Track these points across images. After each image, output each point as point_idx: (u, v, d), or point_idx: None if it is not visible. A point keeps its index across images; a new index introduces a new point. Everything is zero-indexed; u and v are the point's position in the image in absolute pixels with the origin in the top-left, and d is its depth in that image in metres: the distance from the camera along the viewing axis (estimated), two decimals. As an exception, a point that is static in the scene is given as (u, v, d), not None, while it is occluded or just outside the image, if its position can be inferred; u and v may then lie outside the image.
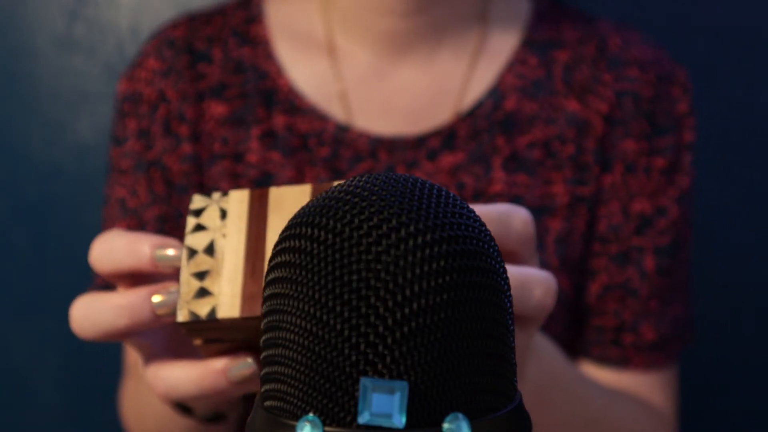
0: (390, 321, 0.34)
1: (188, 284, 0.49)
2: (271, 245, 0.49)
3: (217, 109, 0.79)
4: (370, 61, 0.78)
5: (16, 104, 1.04)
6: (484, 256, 0.36)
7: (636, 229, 0.78)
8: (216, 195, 0.51)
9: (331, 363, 0.34)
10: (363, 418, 0.34)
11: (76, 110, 1.04)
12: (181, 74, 0.80)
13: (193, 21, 0.83)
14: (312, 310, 0.35)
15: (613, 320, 0.79)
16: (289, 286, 0.36)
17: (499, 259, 0.37)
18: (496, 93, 0.78)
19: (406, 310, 0.34)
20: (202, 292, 0.48)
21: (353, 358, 0.34)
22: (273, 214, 0.50)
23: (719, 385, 1.07)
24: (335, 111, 0.78)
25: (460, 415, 0.34)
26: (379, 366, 0.34)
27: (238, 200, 0.50)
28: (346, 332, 0.34)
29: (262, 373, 0.38)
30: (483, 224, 0.38)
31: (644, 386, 0.80)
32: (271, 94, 0.79)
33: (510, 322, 0.37)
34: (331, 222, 0.36)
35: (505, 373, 0.37)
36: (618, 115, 0.78)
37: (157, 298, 0.50)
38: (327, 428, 0.34)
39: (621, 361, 0.79)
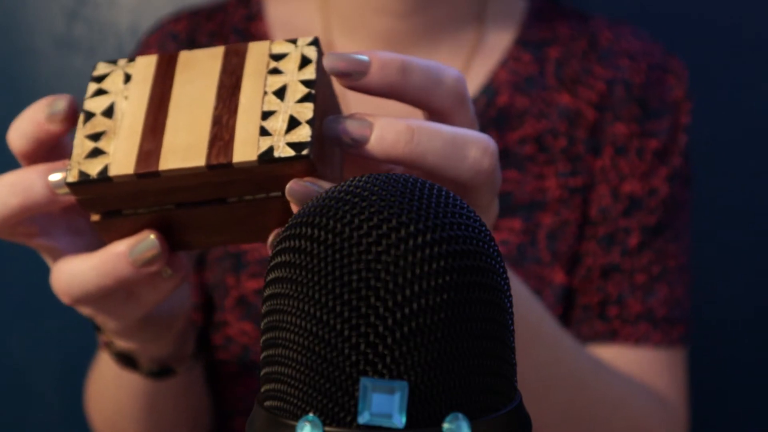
0: (390, 321, 0.34)
1: (81, 145, 0.46)
2: (176, 103, 0.46)
3: None
4: None
5: (16, 104, 1.04)
6: (484, 256, 0.36)
7: (624, 211, 0.78)
8: (122, 61, 0.48)
9: (331, 363, 0.34)
10: (363, 418, 0.34)
11: (76, 110, 1.04)
12: None
13: (194, 16, 0.84)
14: (312, 310, 0.35)
15: (597, 296, 0.78)
16: (289, 286, 0.36)
17: (499, 259, 0.37)
18: (490, 89, 0.78)
19: (406, 310, 0.34)
20: (96, 152, 0.45)
21: (353, 358, 0.34)
22: (181, 74, 0.47)
23: (721, 384, 1.07)
24: None
25: (460, 415, 0.34)
26: (379, 366, 0.34)
27: (145, 65, 0.48)
28: (346, 332, 0.34)
29: (261, 372, 0.38)
30: (483, 224, 0.38)
31: (641, 364, 0.77)
32: None
33: (510, 322, 0.37)
34: (331, 222, 0.36)
35: (505, 373, 0.37)
36: (608, 102, 0.79)
37: (55, 176, 0.47)
38: (327, 428, 0.34)
39: (608, 334, 0.77)
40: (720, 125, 1.04)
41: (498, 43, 0.80)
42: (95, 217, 0.47)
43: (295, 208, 0.45)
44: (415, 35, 0.78)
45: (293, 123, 0.45)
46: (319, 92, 0.47)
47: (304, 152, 0.44)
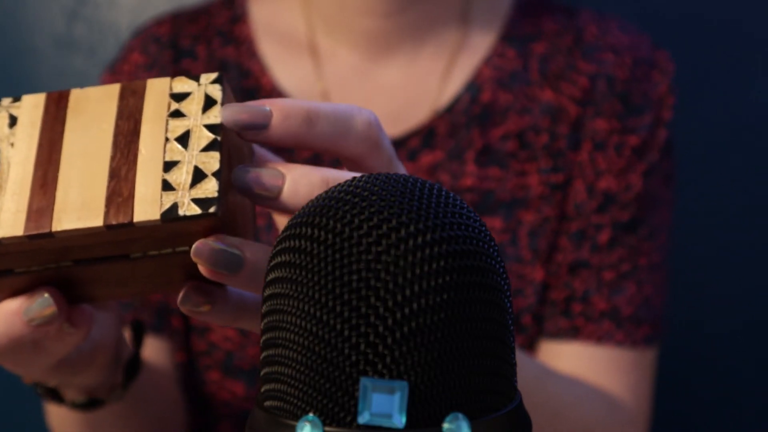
0: (390, 321, 0.34)
1: None
2: (69, 152, 0.42)
3: None
4: (352, 60, 0.79)
5: (16, 104, 1.04)
6: (484, 256, 0.36)
7: (598, 207, 0.77)
8: (6, 101, 0.44)
9: (331, 363, 0.34)
10: (363, 418, 0.34)
11: (76, 110, 1.04)
12: (165, 69, 0.80)
13: (178, 18, 0.84)
14: (312, 310, 0.35)
15: (563, 292, 0.77)
16: (289, 286, 0.36)
17: (499, 259, 0.37)
18: (473, 86, 0.78)
19: (406, 310, 0.34)
20: None
21: (353, 358, 0.34)
22: (72, 118, 0.43)
23: (709, 385, 1.07)
24: None
25: (460, 415, 0.34)
26: (379, 366, 0.34)
27: (33, 105, 0.43)
28: (346, 332, 0.34)
29: (261, 372, 0.38)
30: (483, 224, 0.38)
31: (600, 363, 0.76)
32: (255, 92, 0.79)
33: (510, 322, 0.37)
34: (331, 222, 0.36)
35: (504, 373, 0.37)
36: (590, 97, 0.78)
37: None
38: (327, 428, 0.34)
39: (571, 331, 0.76)
40: (715, 124, 1.04)
41: (482, 40, 0.80)
42: None
43: (201, 269, 0.43)
44: (399, 35, 0.78)
45: (198, 175, 0.41)
46: (226, 137, 0.43)
47: (212, 210, 0.40)
